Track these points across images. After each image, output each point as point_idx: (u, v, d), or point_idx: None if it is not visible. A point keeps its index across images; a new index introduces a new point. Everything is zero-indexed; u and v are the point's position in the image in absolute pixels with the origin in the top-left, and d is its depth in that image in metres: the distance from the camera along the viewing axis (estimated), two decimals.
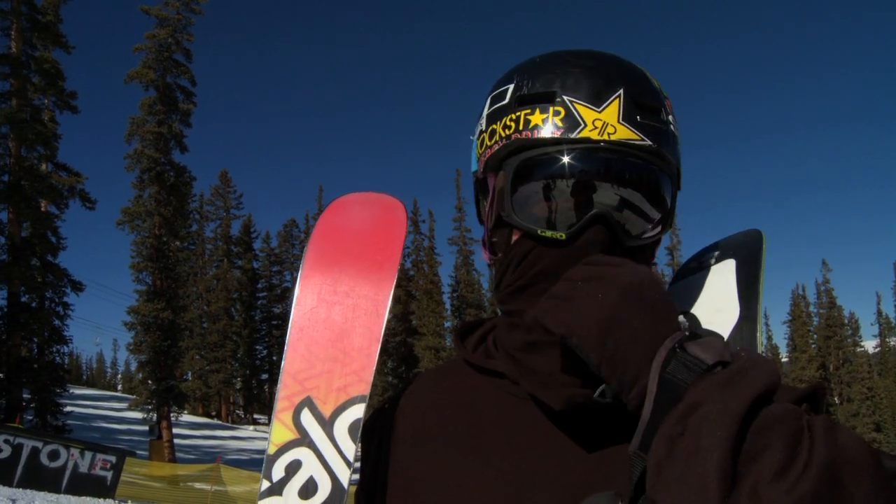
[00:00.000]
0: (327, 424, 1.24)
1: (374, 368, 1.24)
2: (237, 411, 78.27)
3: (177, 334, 40.84)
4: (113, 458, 19.20)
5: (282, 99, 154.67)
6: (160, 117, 39.38)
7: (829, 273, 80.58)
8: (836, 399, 74.35)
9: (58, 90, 34.49)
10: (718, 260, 1.29)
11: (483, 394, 1.18)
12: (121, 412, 54.00)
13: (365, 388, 1.24)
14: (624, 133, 1.07)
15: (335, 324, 1.30)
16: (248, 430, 65.57)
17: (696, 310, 1.23)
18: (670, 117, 1.15)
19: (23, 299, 32.58)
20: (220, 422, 69.94)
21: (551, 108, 1.09)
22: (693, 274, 1.32)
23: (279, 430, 1.27)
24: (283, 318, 79.13)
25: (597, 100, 1.08)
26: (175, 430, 40.37)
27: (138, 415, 41.27)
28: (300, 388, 1.28)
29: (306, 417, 1.26)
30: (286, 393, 1.29)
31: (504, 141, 1.13)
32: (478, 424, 1.15)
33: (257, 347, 77.44)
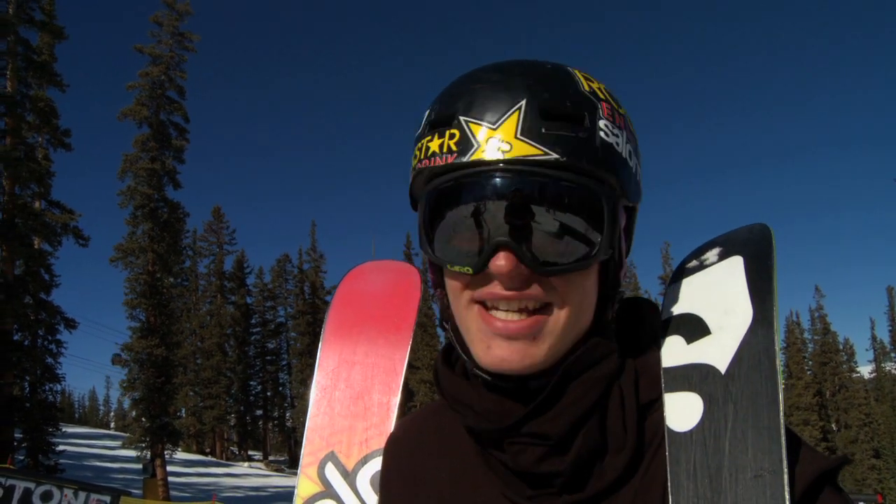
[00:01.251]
0: (350, 476, 1.29)
1: (394, 422, 1.28)
2: (231, 448, 77.60)
3: (170, 371, 40.51)
4: (107, 499, 18.97)
5: (274, 134, 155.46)
6: (153, 154, 39.41)
7: (822, 299, 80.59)
8: (833, 426, 74.01)
9: (52, 128, 34.60)
10: (722, 257, 1.16)
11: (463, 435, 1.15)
12: (114, 450, 53.42)
13: (385, 441, 1.27)
14: (522, 149, 0.97)
15: (356, 383, 1.35)
16: (242, 467, 64.97)
17: (702, 312, 1.12)
18: (602, 122, 1.02)
19: (15, 337, 32.34)
20: (214, 459, 69.28)
21: (447, 132, 1.02)
22: (693, 273, 1.19)
23: (305, 484, 1.32)
24: (277, 354, 78.97)
25: (493, 116, 0.99)
26: (169, 468, 39.93)
27: (132, 453, 40.75)
28: (324, 444, 1.33)
29: (330, 471, 1.30)
30: (311, 449, 1.34)
31: (413, 173, 1.09)
32: (464, 469, 1.14)
33: (251, 383, 76.91)
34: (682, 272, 1.21)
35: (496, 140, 0.97)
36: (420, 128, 1.10)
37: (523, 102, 0.98)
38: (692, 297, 1.15)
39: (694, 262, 1.20)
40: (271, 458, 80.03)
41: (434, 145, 1.03)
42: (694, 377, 1.04)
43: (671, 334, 1.12)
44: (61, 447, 34.73)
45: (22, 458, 31.38)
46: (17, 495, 17.02)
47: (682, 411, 1.02)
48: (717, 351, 1.05)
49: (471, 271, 1.00)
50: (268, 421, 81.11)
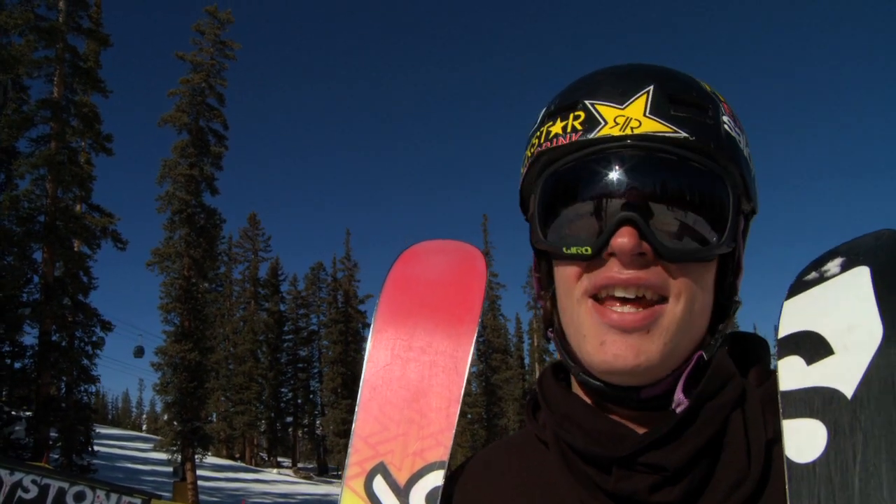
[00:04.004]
0: (402, 493, 1.12)
1: (454, 431, 1.15)
2: (261, 454, 77.75)
3: (203, 375, 40.80)
4: (138, 501, 19.03)
5: (311, 143, 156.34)
6: (192, 160, 39.84)
7: None
8: None
9: (94, 133, 35.11)
10: (846, 268, 1.01)
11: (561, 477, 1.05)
12: (145, 453, 53.95)
13: (444, 454, 1.13)
14: (651, 126, 0.95)
15: (411, 382, 1.20)
16: (271, 474, 65.16)
17: (823, 330, 0.97)
18: (725, 118, 1.00)
19: (53, 338, 32.79)
20: (243, 464, 69.48)
21: (571, 115, 0.99)
22: (813, 286, 1.04)
23: (350, 499, 1.16)
24: (309, 362, 79.13)
25: (621, 97, 0.97)
26: (199, 472, 40.13)
27: (163, 455, 41.14)
28: (373, 452, 1.17)
29: (379, 486, 1.15)
30: (358, 458, 1.18)
31: (528, 162, 1.05)
32: None
33: (282, 390, 77.07)
34: (800, 285, 1.05)
35: (625, 118, 0.95)
36: (535, 125, 1.07)
37: (651, 87, 0.97)
38: (812, 312, 1.00)
39: (813, 275, 1.05)
40: (300, 465, 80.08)
41: (556, 128, 1.00)
42: (816, 402, 0.92)
43: (789, 354, 0.97)
44: (95, 448, 35.09)
45: (56, 457, 31.74)
46: (51, 494, 17.20)
47: (804, 440, 0.90)
48: (843, 373, 0.92)
49: (589, 251, 0.95)
50: (298, 428, 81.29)
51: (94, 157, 36.57)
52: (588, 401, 1.05)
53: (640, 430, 0.98)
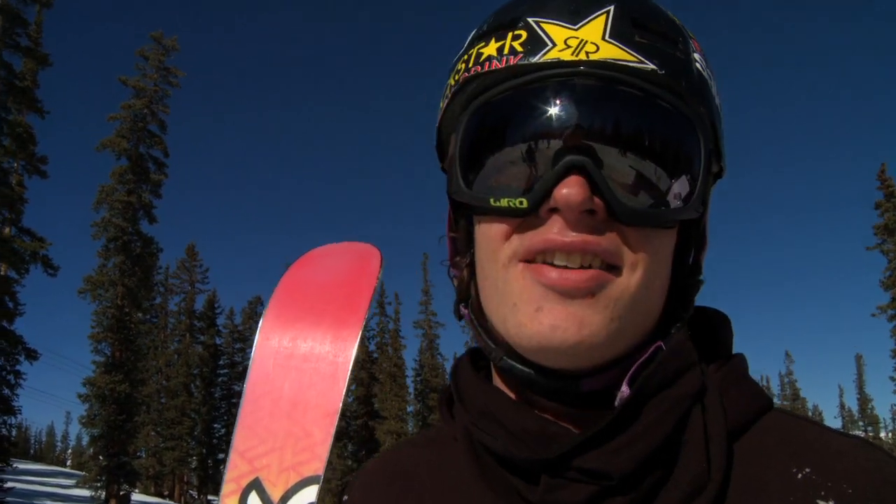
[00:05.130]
0: None
1: (331, 443, 1.04)
2: (191, 492, 75.86)
3: (133, 408, 39.88)
4: None
5: (252, 174, 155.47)
6: (130, 186, 39.42)
7: (792, 365, 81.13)
8: None
9: (28, 154, 34.33)
10: None
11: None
12: (68, 489, 51.89)
13: (319, 467, 1.02)
14: (611, 51, 0.76)
15: (291, 393, 1.09)
16: None
17: None
18: (696, 55, 0.83)
19: None
20: (172, 502, 67.80)
21: (510, 34, 0.79)
22: None
23: None
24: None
25: (574, 16, 0.78)
26: None
27: (86, 493, 39.66)
28: (249, 468, 1.07)
29: (254, 503, 1.05)
30: (234, 474, 1.08)
31: (452, 91, 0.85)
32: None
33: (215, 426, 75.55)
34: None
35: (578, 40, 0.76)
36: (462, 49, 0.87)
37: (611, 7, 0.78)
38: None
39: None
40: None
41: (489, 49, 0.80)
42: None
43: None
44: (9, 484, 33.59)
45: None
46: None
47: None
48: None
49: (525, 204, 0.76)
50: None
51: (27, 178, 35.83)
52: (512, 395, 0.86)
53: (578, 432, 0.80)
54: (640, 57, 0.76)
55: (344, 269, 1.21)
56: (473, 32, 0.87)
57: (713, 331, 0.91)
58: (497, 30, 0.82)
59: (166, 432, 67.75)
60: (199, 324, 74.08)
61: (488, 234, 0.82)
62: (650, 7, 0.83)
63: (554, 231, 0.76)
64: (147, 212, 40.24)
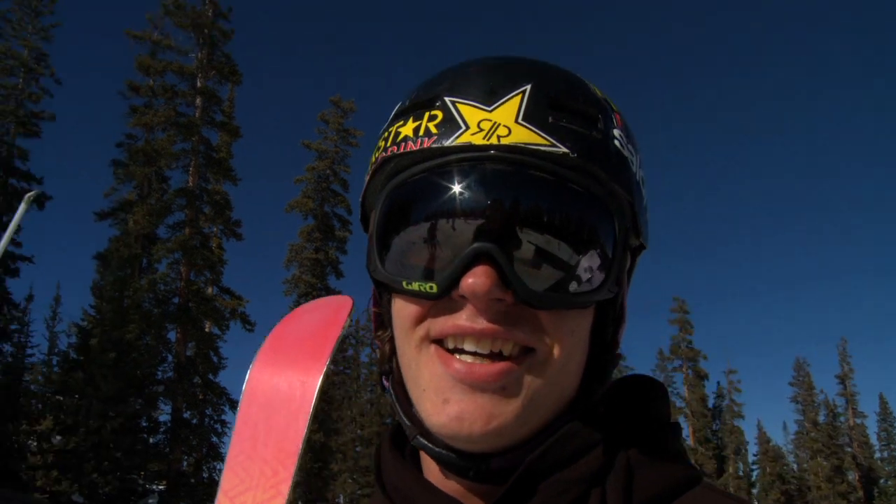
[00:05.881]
0: None
1: (293, 480, 1.11)
2: None
3: (328, 457, 41.34)
4: None
5: None
6: (318, 244, 41.53)
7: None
8: None
9: (225, 219, 37.31)
10: None
11: None
12: None
13: (281, 501, 1.10)
14: (523, 135, 0.75)
15: (266, 434, 1.20)
16: None
17: None
18: (617, 132, 0.83)
19: (185, 415, 34.12)
20: None
21: (426, 114, 0.80)
22: None
23: None
24: None
25: (489, 97, 0.78)
26: None
27: None
28: None
29: None
30: None
31: (373, 168, 0.87)
32: None
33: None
34: None
35: (491, 122, 0.76)
36: (386, 123, 0.89)
37: (528, 87, 0.78)
38: None
39: None
40: None
41: (406, 129, 0.81)
42: None
43: None
44: None
45: None
46: None
47: None
48: None
49: (434, 289, 0.76)
50: None
51: (225, 241, 38.76)
52: (428, 470, 0.89)
53: None
54: (551, 140, 0.76)
55: (318, 319, 1.31)
56: (397, 107, 0.88)
57: (643, 400, 0.89)
58: (416, 108, 0.82)
59: (362, 479, 69.61)
60: None
61: (402, 313, 0.83)
62: (569, 85, 0.83)
63: (464, 318, 0.76)
64: (334, 267, 42.25)
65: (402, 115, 0.84)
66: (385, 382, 0.95)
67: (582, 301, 0.78)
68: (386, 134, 0.85)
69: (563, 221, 0.77)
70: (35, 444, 30.55)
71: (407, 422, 0.86)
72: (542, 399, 0.78)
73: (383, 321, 0.93)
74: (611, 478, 0.79)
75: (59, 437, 30.49)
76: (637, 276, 0.96)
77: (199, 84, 37.25)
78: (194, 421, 34.86)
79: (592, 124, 0.80)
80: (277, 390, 1.23)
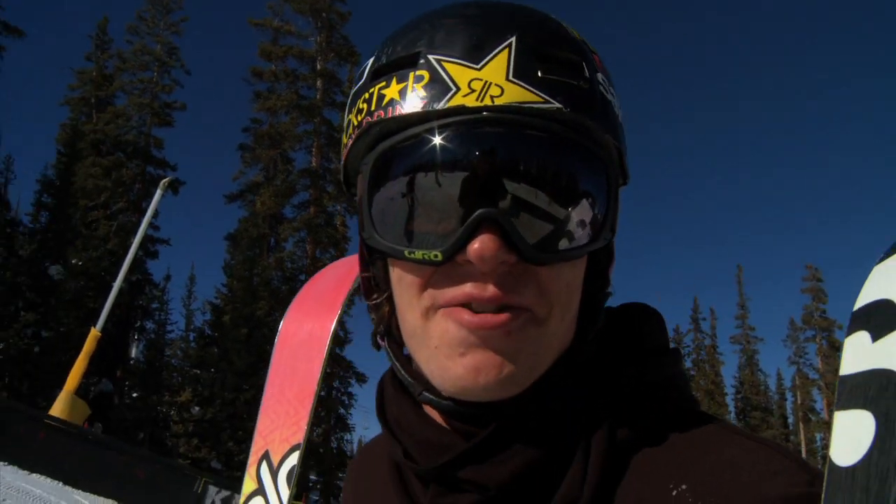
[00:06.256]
0: (275, 474, 1.38)
1: (311, 415, 1.29)
2: None
3: None
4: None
5: None
6: None
7: None
8: None
9: (348, 197, 37.90)
10: None
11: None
12: None
13: (300, 437, 1.32)
14: (516, 93, 0.75)
15: (287, 382, 1.41)
16: None
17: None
18: (599, 76, 0.83)
19: None
20: None
21: (411, 74, 0.78)
22: None
23: (247, 483, 1.46)
24: None
25: (476, 53, 0.76)
26: None
27: None
28: (263, 443, 1.42)
29: (263, 469, 1.40)
30: (255, 449, 1.46)
31: (356, 132, 0.83)
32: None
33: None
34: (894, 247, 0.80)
35: (482, 82, 0.75)
36: (355, 85, 0.87)
37: (513, 39, 0.77)
38: (891, 276, 0.77)
39: None
40: None
41: (391, 92, 0.79)
42: (871, 389, 0.72)
43: (857, 329, 0.77)
44: None
45: (316, 498, 34.18)
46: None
47: (850, 438, 0.71)
48: None
49: (440, 257, 0.75)
50: None
51: (349, 219, 39.37)
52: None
53: None
54: (544, 96, 0.75)
55: (336, 276, 1.50)
56: (371, 62, 0.85)
57: (637, 328, 0.90)
58: (397, 67, 0.80)
59: None
60: None
61: (405, 281, 0.81)
62: (551, 32, 0.82)
63: (470, 285, 0.76)
64: None
65: (383, 75, 0.81)
66: (381, 342, 0.94)
67: (581, 253, 0.80)
68: (367, 95, 0.82)
69: (560, 178, 0.78)
70: (176, 414, 32.68)
71: (410, 379, 0.87)
72: (546, 347, 0.80)
73: (380, 283, 0.91)
74: (603, 409, 0.81)
75: (197, 408, 32.47)
76: (766, 242, 0.89)
77: (318, 67, 38.40)
78: (322, 393, 36.22)
79: (579, 73, 0.80)
80: (300, 339, 1.43)
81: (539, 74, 0.76)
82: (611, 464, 0.78)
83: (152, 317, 37.54)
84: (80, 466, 16.35)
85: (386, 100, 0.78)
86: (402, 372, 0.88)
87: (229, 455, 30.08)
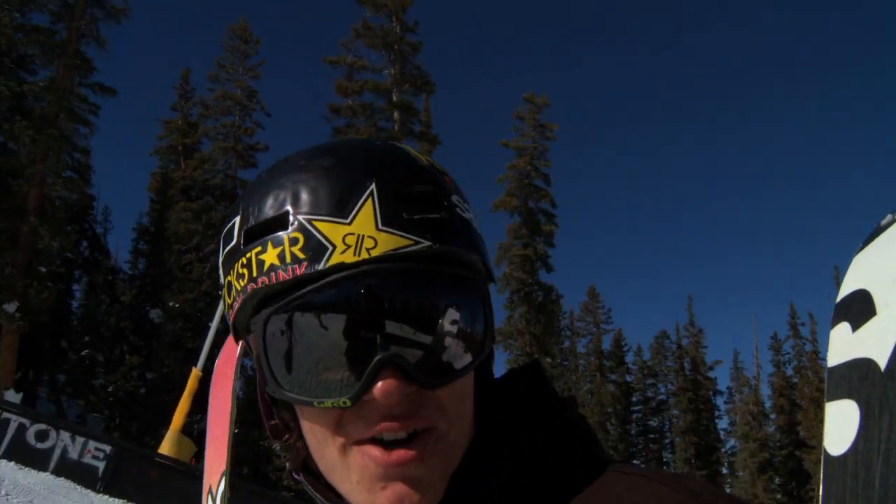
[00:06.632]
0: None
1: (229, 445, 1.34)
2: None
3: None
4: (107, 448, 18.04)
5: (638, 210, 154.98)
6: (525, 241, 41.85)
7: None
8: None
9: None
10: None
11: None
12: None
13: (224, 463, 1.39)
14: (388, 242, 0.80)
15: (221, 401, 1.54)
16: None
17: (872, 286, 0.77)
18: (454, 198, 0.89)
19: None
20: None
21: (286, 238, 0.82)
22: (877, 236, 0.82)
23: None
24: (660, 432, 77.15)
25: (342, 208, 0.81)
26: None
27: None
28: (207, 474, 1.57)
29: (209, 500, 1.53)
30: (205, 481, 1.62)
31: (241, 297, 0.87)
32: None
33: (633, 462, 75.36)
34: (870, 236, 0.84)
35: (355, 236, 0.80)
36: (227, 244, 0.91)
37: (373, 186, 0.82)
38: (868, 267, 0.79)
39: (886, 220, 0.87)
40: None
41: (270, 257, 0.83)
42: (854, 378, 0.73)
43: (840, 321, 0.79)
44: None
45: None
46: (10, 430, 16.67)
47: (840, 427, 0.74)
48: (880, 337, 0.72)
49: (348, 403, 0.80)
50: None
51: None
52: None
53: None
54: (413, 238, 0.81)
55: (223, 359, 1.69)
56: (238, 222, 0.89)
57: (527, 387, 0.96)
58: (270, 230, 0.84)
59: None
60: (608, 363, 75.33)
61: (316, 425, 0.87)
62: (404, 168, 0.87)
63: (379, 418, 0.82)
64: (543, 262, 42.26)
65: (256, 238, 0.85)
66: (297, 477, 0.99)
67: (471, 368, 0.85)
68: (244, 260, 0.85)
69: (440, 309, 0.84)
70: (279, 447, 33.16)
71: None
72: (453, 457, 0.87)
73: (289, 427, 0.97)
74: (517, 479, 0.87)
75: None
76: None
77: (394, 98, 38.75)
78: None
79: (438, 205, 0.85)
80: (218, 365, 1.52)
81: (404, 216, 0.81)
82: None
83: (249, 354, 38.34)
84: (191, 502, 16.76)
85: (266, 265, 0.83)
86: (325, 501, 0.93)
87: None
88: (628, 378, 76.94)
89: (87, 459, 16.78)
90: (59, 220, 29.99)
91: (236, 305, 0.88)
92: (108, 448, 17.44)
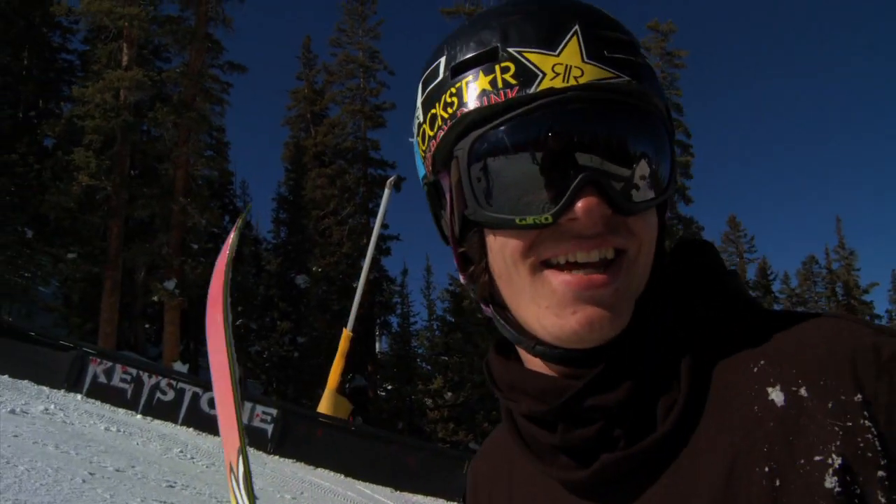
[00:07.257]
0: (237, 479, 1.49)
1: (239, 421, 1.33)
2: None
3: None
4: (274, 412, 18.94)
5: (784, 132, 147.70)
6: None
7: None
8: None
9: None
10: None
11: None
12: None
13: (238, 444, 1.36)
14: (593, 73, 0.84)
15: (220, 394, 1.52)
16: None
17: None
18: (643, 51, 0.92)
19: None
20: None
21: (497, 67, 0.86)
22: None
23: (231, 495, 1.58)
24: None
25: (550, 43, 0.85)
26: None
27: None
28: (226, 456, 1.50)
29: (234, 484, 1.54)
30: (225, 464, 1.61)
31: (449, 123, 0.90)
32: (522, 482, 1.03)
33: None
34: None
35: (564, 66, 0.84)
36: (431, 82, 0.95)
37: (577, 26, 0.86)
38: None
39: None
40: None
41: (482, 83, 0.87)
42: None
43: None
44: None
45: None
46: (186, 398, 17.93)
47: None
48: None
49: (550, 220, 0.83)
50: None
51: None
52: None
53: None
54: (615, 72, 0.85)
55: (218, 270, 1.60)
56: (443, 61, 0.93)
57: (697, 260, 0.99)
58: (479, 62, 0.88)
59: None
60: (754, 293, 72.95)
61: (508, 247, 0.89)
62: (602, 17, 0.91)
63: (574, 237, 0.85)
64: (682, 194, 41.49)
65: (466, 70, 0.89)
66: (486, 309, 1.00)
67: (661, 199, 0.89)
68: (453, 90, 0.90)
69: (639, 139, 0.87)
70: (430, 401, 34.01)
71: (522, 338, 0.94)
72: (640, 281, 0.90)
73: (476, 256, 0.96)
74: (682, 327, 0.92)
75: (450, 394, 33.66)
76: None
77: None
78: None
79: (633, 50, 0.89)
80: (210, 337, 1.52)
81: (606, 54, 0.86)
82: (699, 363, 0.89)
83: (394, 311, 39.43)
84: (355, 459, 17.49)
85: (478, 91, 0.87)
86: (513, 331, 0.95)
87: (485, 435, 30.69)
88: (777, 307, 74.17)
89: (256, 423, 17.77)
90: (204, 198, 31.57)
91: (440, 135, 0.92)
92: (274, 412, 18.42)
